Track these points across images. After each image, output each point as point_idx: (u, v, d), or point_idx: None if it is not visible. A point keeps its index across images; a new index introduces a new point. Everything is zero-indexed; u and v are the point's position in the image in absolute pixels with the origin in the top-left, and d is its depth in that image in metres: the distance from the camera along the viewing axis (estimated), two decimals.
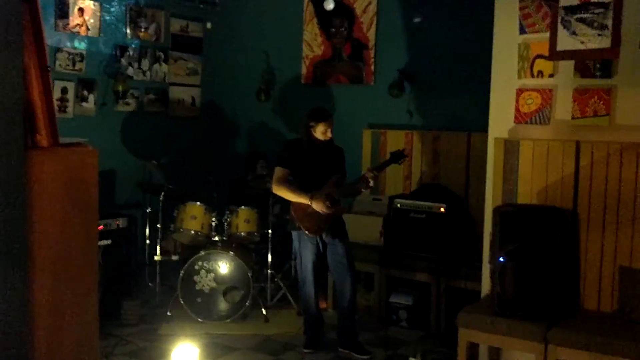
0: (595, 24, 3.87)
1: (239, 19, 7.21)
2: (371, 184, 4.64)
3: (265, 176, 5.73)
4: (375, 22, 6.33)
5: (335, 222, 4.72)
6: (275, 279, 5.74)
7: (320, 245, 4.73)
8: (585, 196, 4.02)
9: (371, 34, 6.35)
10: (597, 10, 3.87)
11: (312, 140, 4.68)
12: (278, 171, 4.70)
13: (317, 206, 4.52)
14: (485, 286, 4.40)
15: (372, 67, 6.36)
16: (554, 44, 4.01)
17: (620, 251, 3.91)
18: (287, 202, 4.81)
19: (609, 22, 3.84)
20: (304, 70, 6.80)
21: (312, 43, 6.73)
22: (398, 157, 4.79)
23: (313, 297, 4.81)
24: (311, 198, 4.52)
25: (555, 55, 4.04)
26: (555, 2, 3.92)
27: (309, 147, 4.69)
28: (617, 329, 3.65)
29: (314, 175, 4.66)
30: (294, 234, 4.78)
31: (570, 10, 3.94)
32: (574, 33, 3.94)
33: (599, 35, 3.86)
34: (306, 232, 4.63)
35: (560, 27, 3.97)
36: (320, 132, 4.64)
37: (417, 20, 6.03)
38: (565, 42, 3.96)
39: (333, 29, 6.59)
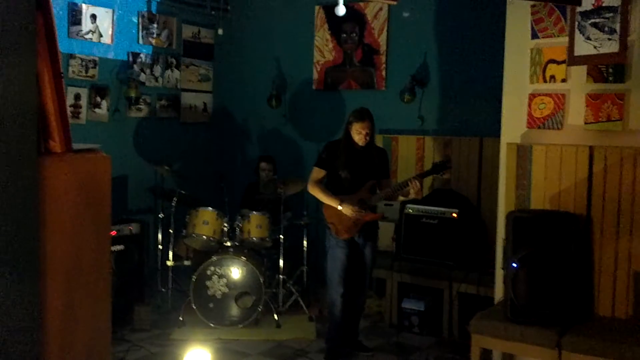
0: (606, 28, 3.86)
1: (251, 25, 7.23)
2: (411, 194, 4.48)
3: (277, 181, 5.73)
4: (386, 27, 6.33)
5: (369, 225, 4.66)
6: (287, 285, 5.74)
7: (353, 246, 4.65)
8: (598, 201, 3.99)
9: (382, 40, 6.35)
10: (607, 15, 3.86)
11: (351, 140, 4.59)
12: (315, 172, 4.68)
13: (346, 211, 4.48)
14: (498, 292, 4.37)
15: (384, 73, 6.36)
16: (572, 50, 3.98)
17: (634, 256, 3.88)
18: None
19: (618, 26, 3.82)
20: (315, 76, 6.81)
21: (323, 49, 6.74)
22: (440, 168, 4.59)
23: (340, 300, 4.63)
24: (340, 203, 4.50)
25: (573, 60, 4.01)
26: (577, 5, 3.88)
27: (347, 146, 4.59)
28: (632, 335, 3.61)
29: (351, 177, 4.59)
30: (327, 232, 4.70)
31: (585, 15, 3.93)
32: (589, 38, 3.93)
33: (609, 39, 3.84)
34: (335, 234, 4.60)
35: (577, 32, 3.95)
36: (355, 131, 4.54)
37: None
38: (582, 47, 3.95)
39: (344, 35, 6.60)
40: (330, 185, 4.64)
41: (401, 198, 4.66)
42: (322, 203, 4.67)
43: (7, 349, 1.64)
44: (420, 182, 4.48)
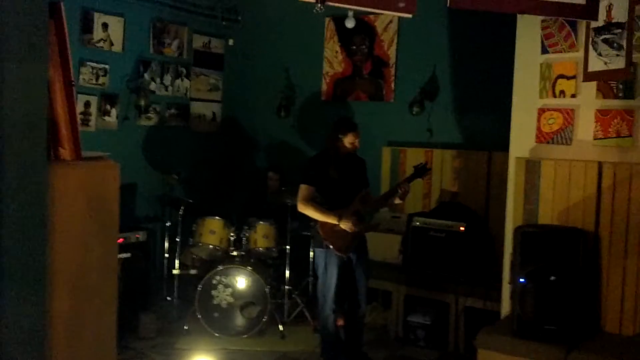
0: (615, 44, 3.85)
1: (261, 36, 7.27)
2: (396, 200, 4.55)
3: (283, 192, 5.72)
4: (396, 40, 6.34)
5: (360, 238, 4.66)
6: (293, 295, 5.72)
7: (346, 261, 4.63)
8: (607, 217, 3.98)
9: (392, 52, 6.36)
10: (616, 31, 3.85)
11: (339, 152, 4.59)
12: (303, 189, 4.57)
13: (346, 226, 4.42)
14: (505, 307, 4.35)
15: (393, 85, 6.37)
16: (587, 66, 3.97)
17: None
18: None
19: (624, 42, 3.82)
20: (324, 87, 6.82)
21: (333, 60, 6.76)
22: (422, 171, 4.67)
23: (332, 315, 4.63)
24: (340, 218, 4.43)
25: (587, 76, 3.99)
26: (593, 20, 3.87)
27: (336, 160, 4.59)
28: (639, 353, 3.58)
29: (340, 190, 4.56)
30: (318, 251, 4.66)
31: (598, 31, 3.92)
32: (600, 54, 3.92)
33: (617, 55, 3.83)
34: (336, 251, 4.53)
35: (590, 48, 3.94)
36: (349, 142, 4.54)
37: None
38: (594, 63, 3.93)
39: (354, 47, 6.61)
40: (321, 201, 4.59)
41: (389, 204, 4.67)
42: (315, 221, 4.60)
43: (13, 357, 1.64)
44: (408, 187, 4.54)
